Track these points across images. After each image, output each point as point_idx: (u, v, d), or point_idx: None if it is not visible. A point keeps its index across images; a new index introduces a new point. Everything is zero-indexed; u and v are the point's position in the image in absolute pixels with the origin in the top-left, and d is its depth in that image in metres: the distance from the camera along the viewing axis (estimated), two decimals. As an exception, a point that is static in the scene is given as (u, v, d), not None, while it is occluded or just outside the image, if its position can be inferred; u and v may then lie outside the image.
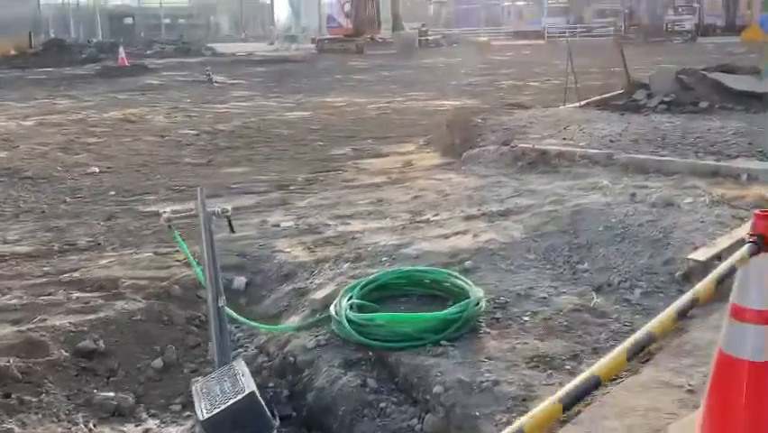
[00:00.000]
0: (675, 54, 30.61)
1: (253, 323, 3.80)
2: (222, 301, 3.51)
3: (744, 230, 4.38)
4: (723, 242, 4.21)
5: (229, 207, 3.51)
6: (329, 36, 40.78)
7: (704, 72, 10.64)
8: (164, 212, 3.59)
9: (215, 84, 22.40)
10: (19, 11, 66.30)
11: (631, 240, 4.49)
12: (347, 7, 39.64)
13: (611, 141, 7.45)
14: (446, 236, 4.92)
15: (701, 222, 4.64)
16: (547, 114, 9.69)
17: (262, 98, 17.51)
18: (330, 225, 5.52)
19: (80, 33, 66.46)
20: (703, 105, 9.78)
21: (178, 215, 3.61)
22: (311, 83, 21.75)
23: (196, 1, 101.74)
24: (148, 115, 14.04)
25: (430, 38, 46.55)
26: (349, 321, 3.48)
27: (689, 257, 4.01)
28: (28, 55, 34.10)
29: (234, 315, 3.63)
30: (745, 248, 2.07)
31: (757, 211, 2.17)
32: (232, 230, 3.59)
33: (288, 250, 4.97)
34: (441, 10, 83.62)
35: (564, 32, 50.50)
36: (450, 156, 7.90)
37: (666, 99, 9.95)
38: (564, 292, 3.95)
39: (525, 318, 3.62)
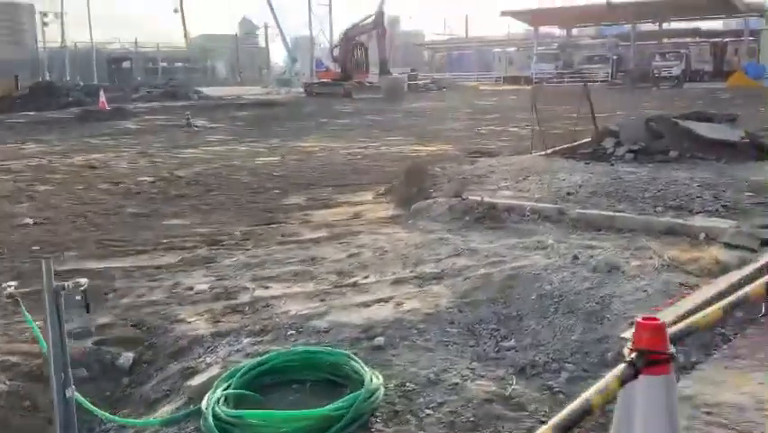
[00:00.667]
0: (661, 100, 30.59)
1: (111, 417, 3.28)
2: (70, 391, 3.02)
3: (691, 302, 3.91)
4: (663, 316, 3.72)
5: (84, 281, 3.04)
6: (318, 80, 40.81)
7: (675, 120, 10.30)
8: (8, 286, 3.12)
9: (195, 128, 22.13)
10: (18, 54, 66.84)
11: (565, 311, 4.01)
12: (335, 52, 39.76)
13: (568, 193, 7.02)
14: (367, 304, 4.44)
15: (645, 291, 4.17)
16: (511, 162, 9.30)
17: (236, 143, 17.16)
18: (248, 288, 5.04)
19: (77, 76, 66.79)
20: (673, 154, 9.40)
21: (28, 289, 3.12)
22: (292, 127, 21.47)
23: (194, 45, 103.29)
24: (112, 162, 13.64)
25: (420, 82, 46.78)
26: (215, 417, 2.97)
27: (622, 336, 3.53)
28: (14, 98, 33.90)
29: (88, 405, 3.12)
30: (617, 371, 1.59)
31: (640, 318, 1.71)
32: (87, 309, 3.10)
33: (190, 320, 4.47)
34: (434, 55, 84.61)
35: (552, 78, 50.89)
36: (403, 207, 7.46)
37: (634, 148, 9.57)
38: (482, 376, 3.46)
39: (428, 411, 3.12)
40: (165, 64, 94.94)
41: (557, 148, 10.26)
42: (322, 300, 4.62)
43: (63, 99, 32.43)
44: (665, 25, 64.09)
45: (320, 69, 41.07)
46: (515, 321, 4.02)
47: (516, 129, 19.16)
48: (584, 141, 10.57)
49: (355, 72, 38.71)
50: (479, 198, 6.44)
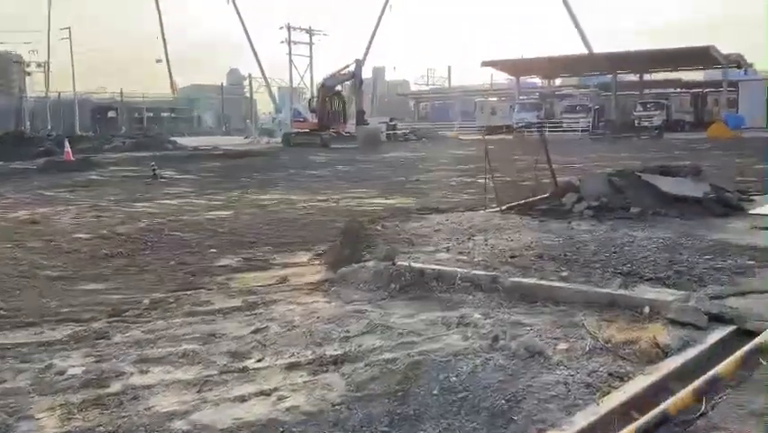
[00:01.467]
0: (639, 150, 30.42)
1: None
2: None
3: (615, 400, 3.29)
4: (580, 420, 3.10)
5: None
6: (295, 130, 40.57)
7: (638, 175, 9.81)
8: None
9: (160, 179, 21.59)
10: (3, 103, 66.59)
11: (469, 410, 3.37)
12: (313, 102, 39.62)
13: (512, 256, 6.43)
14: (245, 398, 3.77)
15: (566, 384, 3.54)
16: (462, 219, 8.74)
17: (195, 195, 16.57)
18: (125, 373, 4.36)
19: (60, 126, 66.55)
20: (634, 210, 8.88)
21: None
22: (259, 178, 20.94)
23: (182, 95, 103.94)
24: (57, 216, 12.97)
25: (399, 132, 46.69)
26: None
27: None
28: (-20, 149, 33.30)
29: None
30: None
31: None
32: None
33: (39, 416, 3.78)
34: (418, 105, 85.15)
35: (532, 128, 50.98)
36: (333, 271, 6.82)
37: (594, 204, 9.05)
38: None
39: None
40: (151, 114, 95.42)
41: (514, 204, 9.73)
42: (198, 392, 3.95)
43: (33, 149, 31.88)
44: (648, 76, 65.00)
45: (297, 119, 40.87)
46: (409, 423, 3.36)
47: (485, 181, 18.72)
48: (544, 196, 10.04)
49: (332, 122, 38.52)
50: (407, 264, 5.83)
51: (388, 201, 13.98)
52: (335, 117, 38.96)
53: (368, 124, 38.49)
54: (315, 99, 39.56)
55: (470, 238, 7.35)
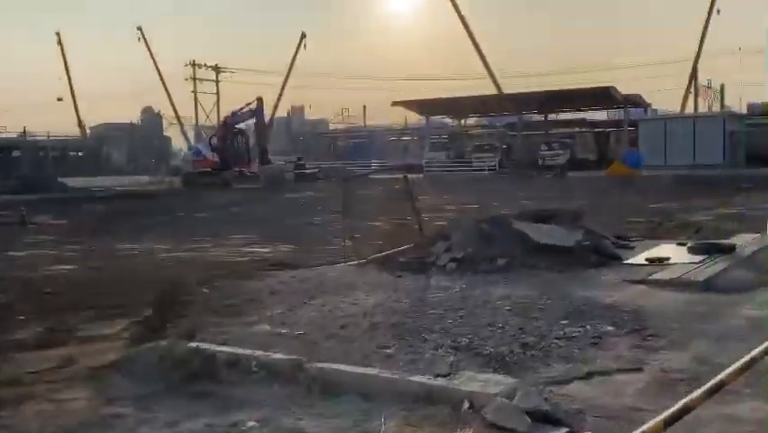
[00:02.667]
0: (540, 189, 30.41)
1: None
2: None
3: None
4: None
5: None
6: (197, 170, 38.93)
7: (510, 222, 9.07)
8: None
9: (30, 225, 19.77)
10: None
11: None
12: (214, 140, 38.19)
13: (342, 327, 5.43)
14: None
15: None
16: (312, 276, 7.72)
17: (54, 245, 14.95)
18: None
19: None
20: (501, 262, 8.09)
21: None
22: (139, 224, 19.37)
23: (94, 133, 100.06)
24: None
25: (307, 171, 45.65)
26: None
27: None
28: None
29: None
30: None
31: None
32: None
33: None
34: (334, 144, 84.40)
35: (440, 167, 51.05)
36: (130, 348, 5.63)
37: (458, 256, 8.21)
38: None
39: None
40: (57, 153, 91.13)
41: (377, 255, 8.80)
42: None
43: None
44: (555, 116, 66.65)
45: (197, 158, 39.25)
46: None
47: (377, 224, 17.85)
48: (410, 246, 9.16)
49: (235, 161, 37.15)
50: (194, 346, 4.72)
51: (260, 250, 12.83)
52: (238, 156, 37.63)
53: (271, 163, 37.31)
54: (216, 137, 38.13)
55: (310, 300, 6.33)
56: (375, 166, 60.13)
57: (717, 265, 7.86)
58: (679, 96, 65.20)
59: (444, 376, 4.08)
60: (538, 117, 65.36)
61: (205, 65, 59.98)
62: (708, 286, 6.86)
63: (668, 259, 8.25)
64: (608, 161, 49.55)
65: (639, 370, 4.39)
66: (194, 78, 60.35)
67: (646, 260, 8.31)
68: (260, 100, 35.49)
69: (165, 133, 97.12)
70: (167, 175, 51.78)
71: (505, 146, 56.45)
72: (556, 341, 5.00)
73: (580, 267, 8.04)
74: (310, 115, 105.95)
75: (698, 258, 8.31)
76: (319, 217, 19.81)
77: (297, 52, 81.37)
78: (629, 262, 8.38)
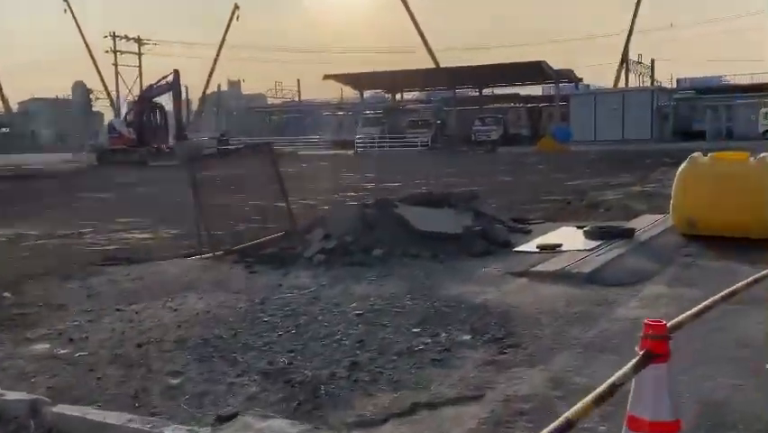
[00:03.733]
0: (469, 165, 29.84)
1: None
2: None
3: None
4: None
5: None
6: (112, 147, 36.91)
7: (394, 206, 8.19)
8: None
9: None
10: None
11: None
12: (130, 116, 36.22)
13: (139, 345, 4.45)
14: None
15: None
16: (148, 272, 6.69)
17: None
18: None
19: None
20: (377, 252, 7.22)
21: None
22: (27, 206, 17.83)
23: (21, 109, 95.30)
24: None
25: (231, 147, 43.95)
26: None
27: None
28: None
29: None
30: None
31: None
32: None
33: None
34: (268, 119, 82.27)
35: (373, 143, 50.09)
36: None
37: (329, 246, 7.30)
38: None
39: None
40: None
41: (238, 247, 7.80)
42: None
43: None
44: (490, 91, 66.35)
45: (113, 134, 37.17)
46: None
47: (284, 206, 16.78)
48: (280, 234, 8.21)
49: (152, 138, 35.31)
50: None
51: (138, 236, 11.66)
52: (155, 132, 35.78)
53: (188, 139, 35.63)
54: (132, 113, 36.16)
55: (121, 309, 5.31)
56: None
57: (611, 252, 7.17)
58: (611, 71, 65.84)
59: (225, 420, 3.16)
60: (474, 93, 65.05)
61: (126, 36, 57.03)
62: (593, 278, 6.14)
63: (560, 246, 7.53)
64: (539, 137, 49.54)
65: (479, 398, 3.57)
66: (114, 51, 57.43)
67: (537, 247, 7.58)
68: (176, 72, 33.65)
69: (96, 109, 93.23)
70: (88, 152, 49.33)
71: (439, 122, 55.80)
72: (395, 358, 4.15)
73: (465, 256, 7.25)
74: (247, 90, 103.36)
75: (593, 244, 7.62)
76: (225, 198, 18.55)
77: (229, 24, 78.87)
78: (519, 249, 7.63)
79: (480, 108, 59.45)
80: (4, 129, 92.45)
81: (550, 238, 8.11)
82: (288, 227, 8.27)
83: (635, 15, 65.87)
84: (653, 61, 68.14)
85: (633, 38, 64.71)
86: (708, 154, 8.31)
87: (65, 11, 69.48)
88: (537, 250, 7.51)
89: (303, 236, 8.00)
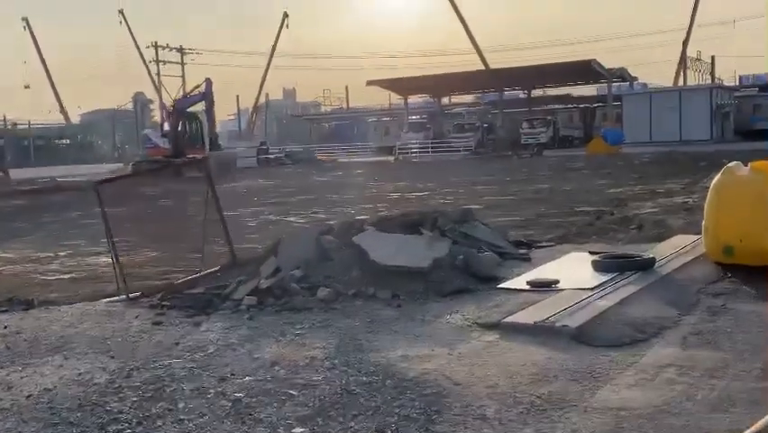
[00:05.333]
0: (509, 171, 28.14)
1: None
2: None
3: None
4: None
5: None
6: (149, 158, 36.54)
7: (361, 230, 6.83)
8: None
9: None
10: None
11: None
12: (165, 126, 35.79)
13: None
14: None
15: None
16: (49, 319, 5.50)
17: None
18: None
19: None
20: (322, 293, 5.87)
21: None
22: (32, 223, 17.21)
23: (84, 121, 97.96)
24: None
25: (271, 156, 43.31)
26: None
27: None
28: None
29: None
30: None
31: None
32: None
33: None
34: (313, 127, 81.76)
35: (416, 149, 48.66)
36: None
37: (263, 285, 5.99)
38: None
39: None
40: (41, 142, 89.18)
41: (164, 286, 6.55)
42: None
43: None
44: (541, 92, 64.12)
45: (149, 146, 36.83)
46: None
47: (298, 220, 15.59)
48: (215, 269, 6.93)
49: (188, 148, 34.75)
50: None
51: (108, 261, 10.60)
52: (192, 142, 35.20)
53: (221, 148, 34.91)
54: (168, 123, 35.73)
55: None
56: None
57: (619, 292, 5.65)
58: (669, 69, 62.75)
59: None
60: (524, 94, 62.92)
61: (168, 46, 57.24)
62: (582, 335, 4.65)
63: (556, 282, 6.03)
64: (590, 138, 47.21)
65: None
66: (156, 61, 57.71)
67: (528, 283, 6.09)
68: (208, 81, 33.02)
69: (156, 119, 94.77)
70: (126, 164, 49.48)
71: (486, 125, 54.02)
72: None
73: (434, 296, 5.84)
74: (302, 97, 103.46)
75: (600, 279, 6.10)
76: (238, 212, 17.50)
77: (279, 33, 78.97)
78: (505, 285, 6.15)
79: (530, 110, 57.35)
80: (64, 141, 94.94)
81: (548, 270, 6.61)
82: (228, 260, 7.00)
83: (694, 10, 62.73)
84: (713, 58, 64.71)
85: (693, 34, 61.64)
86: (749, 164, 6.67)
87: (120, 23, 70.77)
88: (527, 287, 6.04)
89: (257, 268, 6.71)
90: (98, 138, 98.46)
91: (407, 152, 48.67)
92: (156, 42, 57.18)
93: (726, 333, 4.68)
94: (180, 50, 59.40)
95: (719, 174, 6.67)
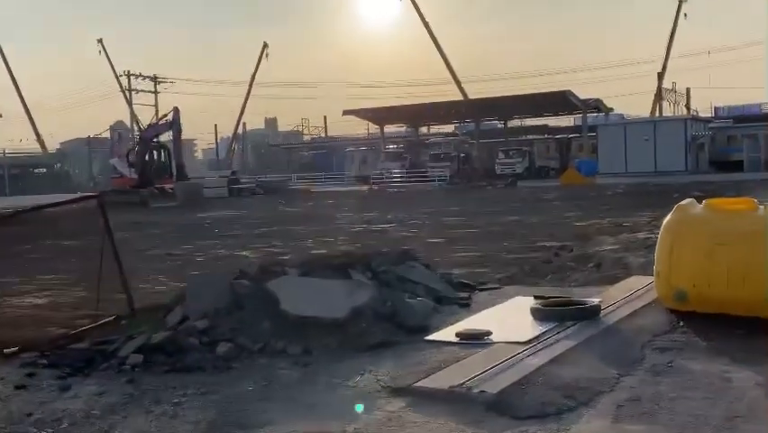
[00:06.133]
0: (480, 202, 27.66)
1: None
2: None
3: None
4: None
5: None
6: (113, 188, 35.74)
7: (281, 274, 6.17)
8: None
9: None
10: None
11: None
12: (132, 156, 35.03)
13: None
14: None
15: None
16: None
17: None
18: None
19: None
20: (222, 349, 5.19)
21: None
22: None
23: (63, 149, 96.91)
24: None
25: (243, 186, 42.60)
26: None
27: None
28: None
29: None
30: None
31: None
32: None
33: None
34: (291, 156, 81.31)
35: (390, 179, 48.24)
36: None
37: (155, 341, 5.30)
38: None
39: None
40: (17, 171, 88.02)
41: (45, 340, 5.81)
42: None
43: None
44: (520, 122, 64.23)
45: (115, 175, 36.05)
46: None
47: (247, 254, 14.86)
48: (106, 320, 6.22)
49: (156, 177, 34.01)
50: None
51: (32, 302, 9.82)
52: (159, 172, 34.47)
53: (188, 179, 34.19)
54: (134, 152, 34.98)
55: None
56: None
57: (555, 347, 5.02)
58: (647, 100, 63.14)
59: None
60: (501, 125, 63.00)
61: (141, 75, 56.65)
62: (501, 404, 4.00)
63: (488, 334, 5.39)
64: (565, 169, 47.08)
65: None
66: (129, 90, 57.09)
67: (458, 335, 5.45)
68: (176, 110, 32.41)
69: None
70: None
71: (463, 155, 53.81)
72: None
73: (350, 351, 5.17)
74: (283, 126, 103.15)
75: (538, 330, 5.48)
76: (192, 245, 16.73)
77: (259, 62, 78.87)
78: (433, 338, 5.51)
79: (506, 140, 57.32)
80: (39, 169, 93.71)
81: (485, 319, 5.97)
82: (123, 309, 6.30)
83: (670, 42, 63.41)
84: (688, 90, 65.27)
85: (670, 65, 62.15)
86: (703, 202, 6.12)
87: (99, 52, 70.34)
88: (456, 340, 5.39)
89: (164, 317, 6.01)
90: (75, 167, 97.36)
91: (383, 182, 48.22)
92: (129, 71, 56.55)
93: (668, 399, 4.05)
94: (154, 78, 58.84)
95: (671, 213, 6.11)
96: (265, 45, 78.28)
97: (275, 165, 75.59)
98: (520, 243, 13.63)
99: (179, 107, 32.70)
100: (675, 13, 62.92)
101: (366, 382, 4.57)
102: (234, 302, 5.84)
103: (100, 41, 71.89)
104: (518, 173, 46.76)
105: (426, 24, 68.49)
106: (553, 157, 56.07)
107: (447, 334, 5.54)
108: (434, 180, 45.49)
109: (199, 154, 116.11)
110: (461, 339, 5.36)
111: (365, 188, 45.44)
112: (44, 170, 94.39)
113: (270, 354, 5.15)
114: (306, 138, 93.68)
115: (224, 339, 5.29)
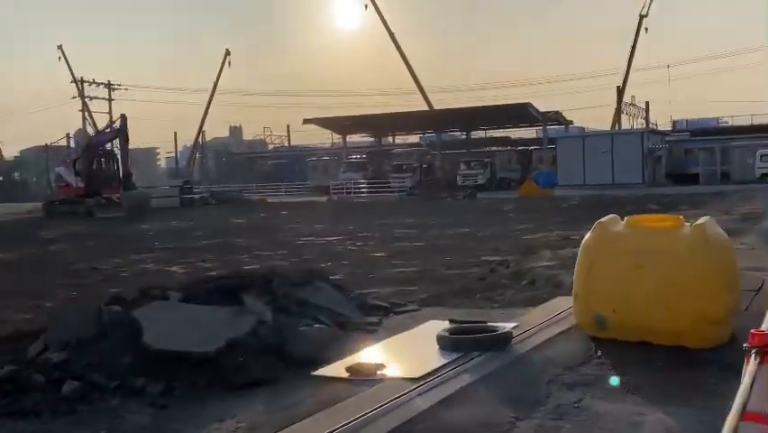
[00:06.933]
0: (437, 214, 27.13)
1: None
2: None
3: None
4: None
5: None
6: (60, 197, 34.49)
7: (162, 297, 5.48)
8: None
9: None
10: None
11: None
12: (78, 164, 33.86)
13: None
14: None
15: None
16: None
17: None
18: None
19: None
20: (67, 389, 4.49)
21: None
22: None
23: (24, 157, 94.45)
24: None
25: (196, 196, 41.56)
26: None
27: None
28: None
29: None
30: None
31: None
32: None
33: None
34: (253, 165, 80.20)
35: (350, 189, 47.68)
36: None
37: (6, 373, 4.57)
38: None
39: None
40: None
41: None
42: None
43: None
44: (482, 134, 64.11)
45: (60, 184, 34.81)
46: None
47: (176, 269, 14.07)
48: None
49: (103, 187, 32.88)
50: None
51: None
52: (107, 181, 33.36)
53: (135, 188, 33.15)
54: (81, 161, 33.82)
55: None
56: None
57: (447, 385, 4.41)
58: (607, 113, 63.69)
59: None
60: (464, 136, 62.83)
61: (94, 81, 55.25)
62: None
63: (381, 367, 4.77)
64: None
65: None
66: (82, 97, 55.65)
67: (348, 370, 4.82)
68: (123, 117, 31.41)
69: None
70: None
71: (425, 166, 53.51)
72: None
73: (220, 389, 4.51)
74: (248, 135, 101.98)
75: (438, 362, 4.88)
76: (120, 259, 15.82)
77: (221, 70, 77.72)
78: (320, 373, 4.87)
79: (468, 152, 57.15)
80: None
81: (385, 348, 5.36)
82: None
83: (631, 56, 63.98)
84: (647, 104, 65.97)
85: (631, 78, 62.70)
86: (625, 219, 5.61)
87: (59, 59, 68.58)
88: (346, 375, 4.76)
89: (27, 347, 5.28)
90: (33, 175, 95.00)
91: (343, 192, 47.61)
92: (82, 78, 55.11)
93: (566, 452, 3.48)
94: (108, 85, 57.47)
95: (591, 231, 5.58)
96: (227, 53, 77.23)
97: (237, 174, 74.45)
98: (463, 257, 13.13)
99: (133, 115, 31.75)
100: (636, 28, 63.56)
101: (225, 431, 3.91)
102: (100, 332, 5.14)
103: (60, 47, 70.22)
104: (480, 184, 46.51)
105: (392, 35, 68.22)
106: (514, 169, 56.02)
107: (337, 368, 4.90)
108: (394, 191, 44.98)
109: (162, 163, 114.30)
110: (350, 375, 4.73)
111: (324, 198, 44.73)
112: (0, 178, 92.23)
113: (126, 393, 4.47)
114: (271, 147, 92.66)
115: (76, 376, 4.59)
